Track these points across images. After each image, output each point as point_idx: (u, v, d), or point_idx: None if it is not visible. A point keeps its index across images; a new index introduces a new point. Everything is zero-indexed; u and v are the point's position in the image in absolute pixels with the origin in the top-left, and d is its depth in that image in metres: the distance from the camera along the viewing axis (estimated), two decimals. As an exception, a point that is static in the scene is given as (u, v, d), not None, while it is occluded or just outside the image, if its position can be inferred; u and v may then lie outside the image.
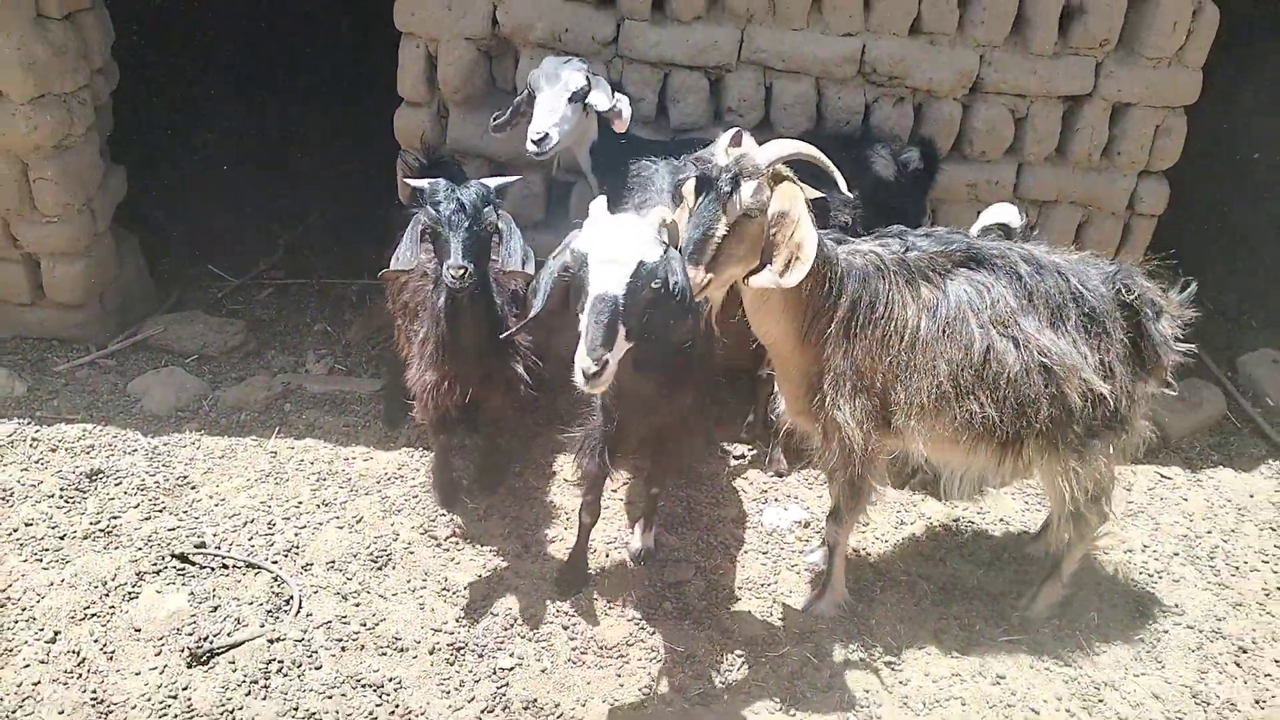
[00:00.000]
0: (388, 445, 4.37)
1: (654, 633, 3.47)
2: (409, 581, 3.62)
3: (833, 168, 2.94)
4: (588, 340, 2.58)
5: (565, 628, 3.48)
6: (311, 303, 5.69)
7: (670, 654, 3.39)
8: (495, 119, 4.13)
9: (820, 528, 3.98)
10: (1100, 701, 3.39)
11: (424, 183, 3.27)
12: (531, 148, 3.90)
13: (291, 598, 3.49)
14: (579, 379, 2.60)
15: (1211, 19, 4.40)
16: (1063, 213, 4.79)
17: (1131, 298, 3.24)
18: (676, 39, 4.37)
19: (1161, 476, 4.68)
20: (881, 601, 3.71)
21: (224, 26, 7.62)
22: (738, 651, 3.43)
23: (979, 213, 4.18)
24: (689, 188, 2.84)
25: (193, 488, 4.01)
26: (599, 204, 2.94)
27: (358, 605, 3.50)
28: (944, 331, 3.08)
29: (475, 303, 3.31)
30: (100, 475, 4.00)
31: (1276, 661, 3.67)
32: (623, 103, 3.92)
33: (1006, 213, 3.96)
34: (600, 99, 3.91)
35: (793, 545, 3.96)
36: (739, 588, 3.72)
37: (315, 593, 3.53)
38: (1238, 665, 3.64)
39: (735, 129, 2.98)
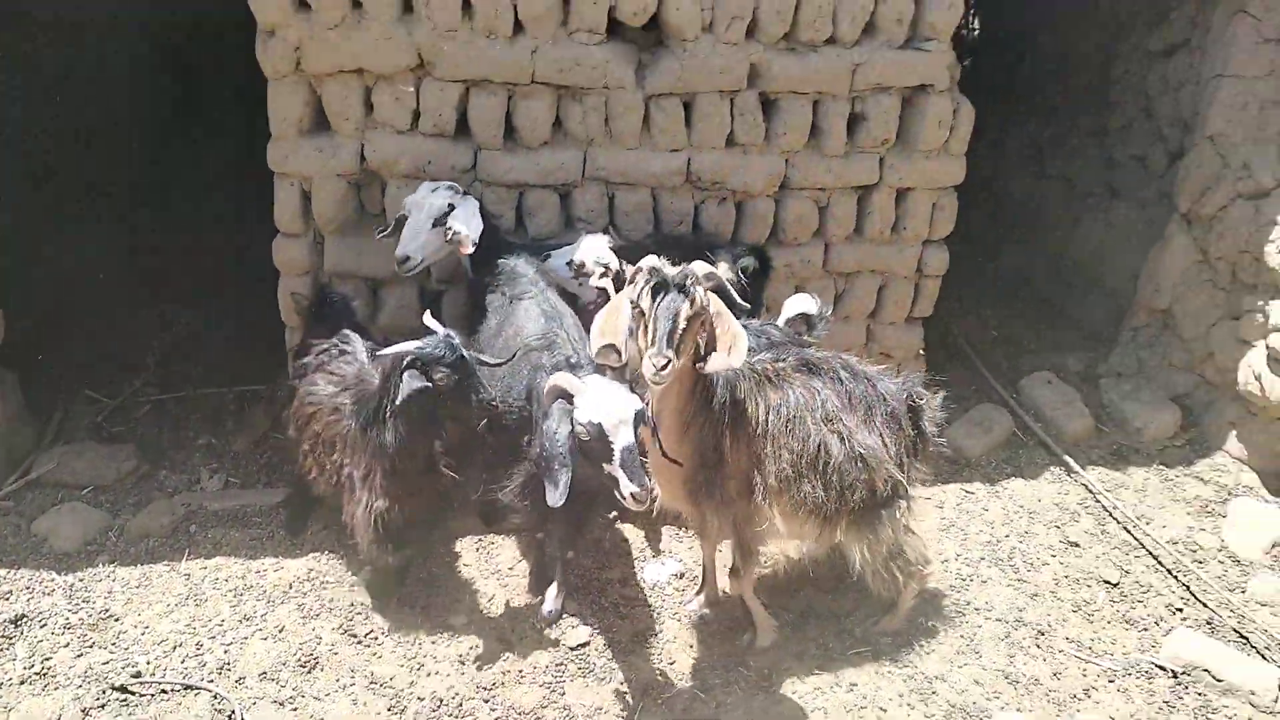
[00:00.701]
0: (294, 553, 4.72)
1: (564, 694, 4.00)
2: (338, 680, 4.02)
3: (730, 288, 3.59)
4: (635, 478, 3.29)
5: (485, 700, 3.95)
6: (192, 415, 5.91)
7: (580, 710, 3.93)
8: (379, 231, 4.61)
9: (694, 577, 4.63)
10: (933, 693, 4.13)
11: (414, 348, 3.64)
12: (398, 267, 4.43)
13: (233, 712, 3.83)
14: (634, 505, 3.32)
15: (968, 114, 5.35)
16: (864, 281, 5.64)
17: (920, 402, 4.07)
18: (528, 164, 4.97)
19: (966, 492, 5.54)
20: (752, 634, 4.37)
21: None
22: (637, 699, 4.01)
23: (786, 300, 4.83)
24: (639, 292, 3.34)
25: (116, 619, 4.26)
26: (566, 378, 3.53)
27: (295, 710, 3.87)
28: (787, 427, 3.78)
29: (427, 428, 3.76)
30: (24, 619, 4.19)
31: (1068, 639, 4.52)
32: (465, 230, 4.38)
33: (806, 303, 4.67)
34: (457, 225, 4.40)
35: (673, 596, 4.57)
36: (631, 641, 4.30)
37: (254, 704, 3.88)
38: (1038, 646, 4.45)
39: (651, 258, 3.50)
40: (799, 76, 5.01)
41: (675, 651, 4.26)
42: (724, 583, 4.41)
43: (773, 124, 5.15)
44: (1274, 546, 5.12)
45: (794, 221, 5.36)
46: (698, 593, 4.50)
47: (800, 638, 4.37)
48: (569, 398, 3.49)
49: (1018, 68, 8.78)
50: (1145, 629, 4.59)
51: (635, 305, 3.38)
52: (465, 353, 3.69)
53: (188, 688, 3.93)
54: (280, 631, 4.25)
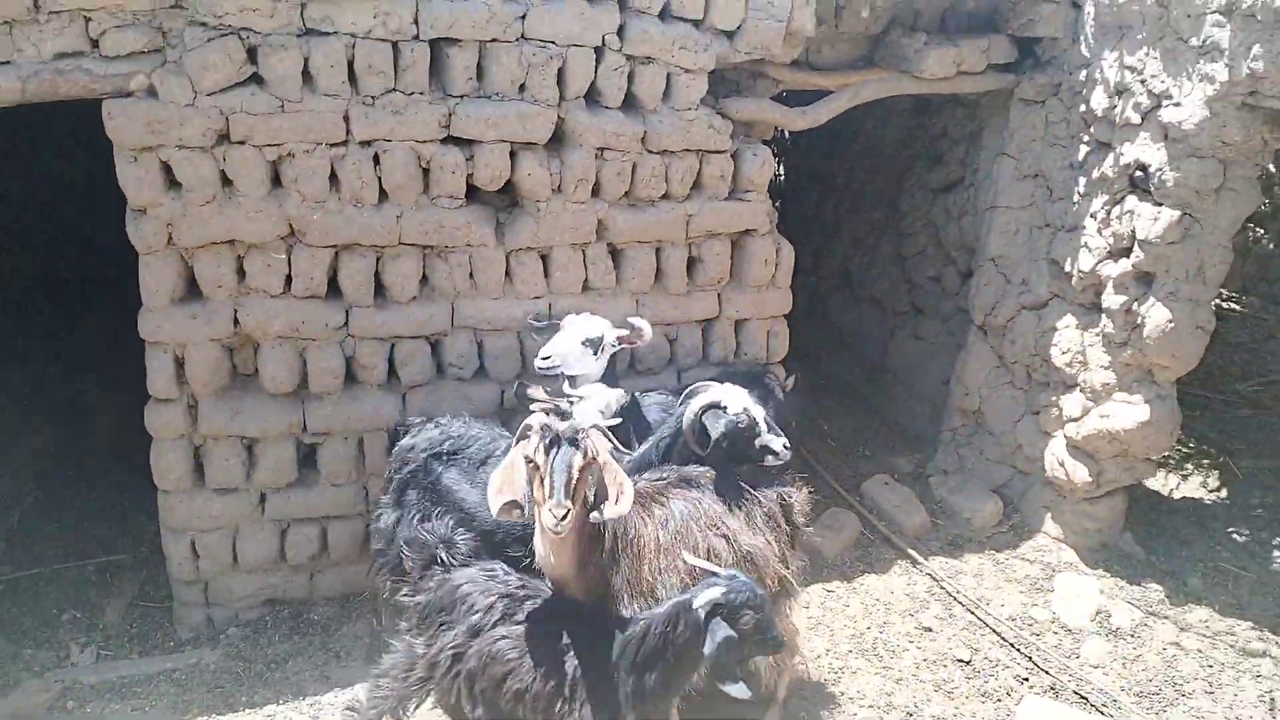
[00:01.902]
0: (179, 720, 4.65)
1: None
2: (241, 843, 3.98)
3: (610, 436, 3.92)
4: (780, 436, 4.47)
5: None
6: (51, 591, 5.74)
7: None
8: (535, 319, 5.23)
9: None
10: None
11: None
12: (539, 363, 4.88)
13: None
14: (783, 453, 4.49)
15: (789, 252, 6.07)
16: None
17: (791, 499, 4.56)
18: (399, 318, 5.30)
19: (828, 590, 5.99)
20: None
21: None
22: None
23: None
24: (535, 448, 3.62)
25: (-7, 810, 4.08)
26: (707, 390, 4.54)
27: None
28: (676, 538, 4.14)
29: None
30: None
31: (933, 717, 4.96)
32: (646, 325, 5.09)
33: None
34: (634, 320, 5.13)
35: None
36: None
37: None
38: (907, 727, 4.89)
39: (540, 414, 3.82)
40: (640, 227, 5.61)
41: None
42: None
43: (622, 269, 5.70)
44: (1098, 614, 5.78)
45: (649, 353, 5.86)
46: None
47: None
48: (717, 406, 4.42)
49: (822, 204, 9.85)
50: (999, 699, 5.08)
51: (530, 460, 3.67)
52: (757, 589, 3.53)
53: None
54: (173, 803, 4.16)
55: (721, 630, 3.32)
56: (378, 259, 5.22)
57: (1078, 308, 6.40)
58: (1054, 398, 6.53)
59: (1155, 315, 5.78)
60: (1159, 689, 5.18)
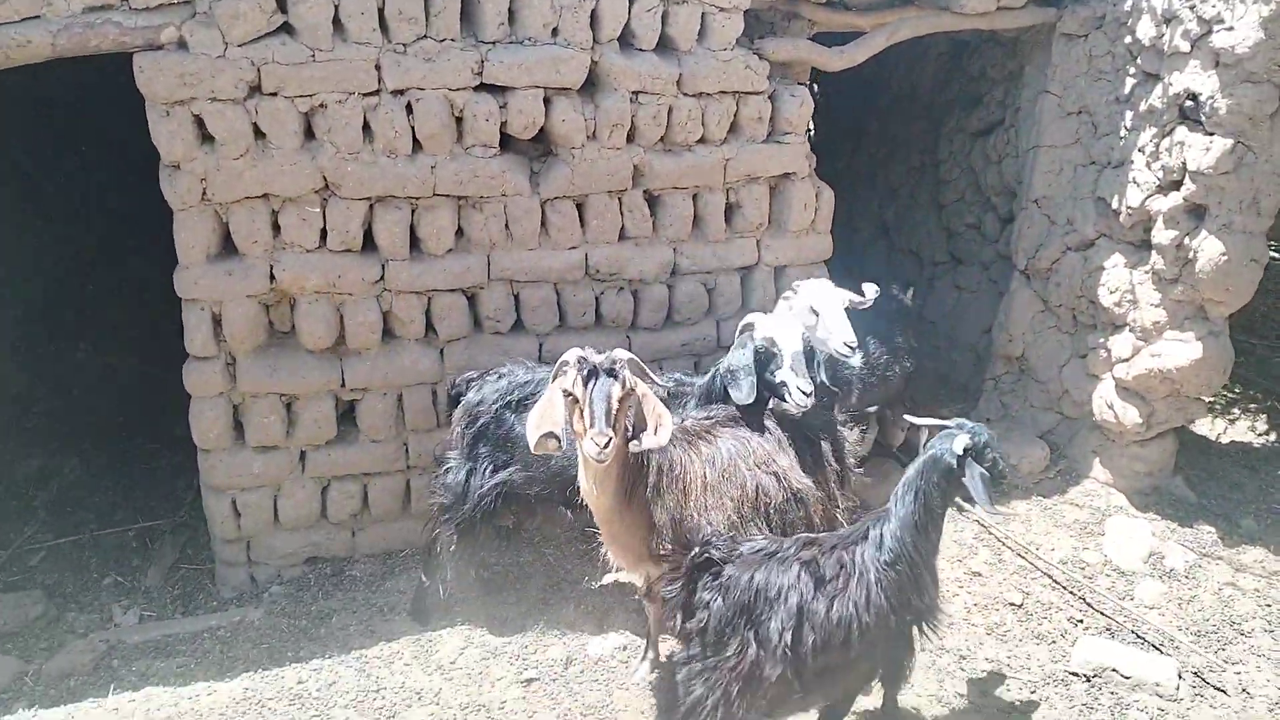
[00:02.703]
0: (225, 675, 4.64)
1: (527, 772, 4.07)
2: (299, 793, 3.97)
3: (648, 369, 3.85)
4: (803, 379, 4.19)
5: (453, 791, 3.98)
6: (93, 557, 5.77)
7: (546, 786, 4.00)
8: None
9: (637, 647, 4.78)
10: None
11: None
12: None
13: (193, 838, 3.73)
14: (799, 399, 4.18)
15: (828, 196, 5.95)
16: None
17: (842, 440, 4.45)
18: (434, 271, 5.22)
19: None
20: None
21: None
22: (599, 769, 4.10)
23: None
24: (572, 381, 3.58)
25: (47, 764, 4.10)
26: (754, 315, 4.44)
27: (257, 827, 3.81)
28: (723, 476, 4.07)
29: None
30: (-53, 777, 3.99)
31: (987, 659, 4.86)
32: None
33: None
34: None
35: (617, 669, 4.70)
36: (583, 715, 4.40)
37: (213, 828, 3.79)
38: (961, 669, 4.78)
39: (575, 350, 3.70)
40: (677, 172, 5.50)
41: None
42: (670, 647, 4.58)
43: (659, 217, 5.59)
44: (1150, 556, 5.66)
45: (687, 303, 5.76)
46: (642, 659, 4.65)
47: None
48: (750, 328, 4.29)
49: (855, 156, 9.67)
50: (1053, 641, 4.99)
51: (569, 394, 3.62)
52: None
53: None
54: (226, 755, 4.16)
55: (976, 470, 3.77)
56: (412, 211, 5.14)
57: (1126, 246, 6.23)
58: (1102, 339, 6.37)
59: (1208, 249, 5.61)
60: (1216, 628, 5.06)
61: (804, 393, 4.19)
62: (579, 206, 5.43)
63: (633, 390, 3.65)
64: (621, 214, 5.49)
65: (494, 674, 4.63)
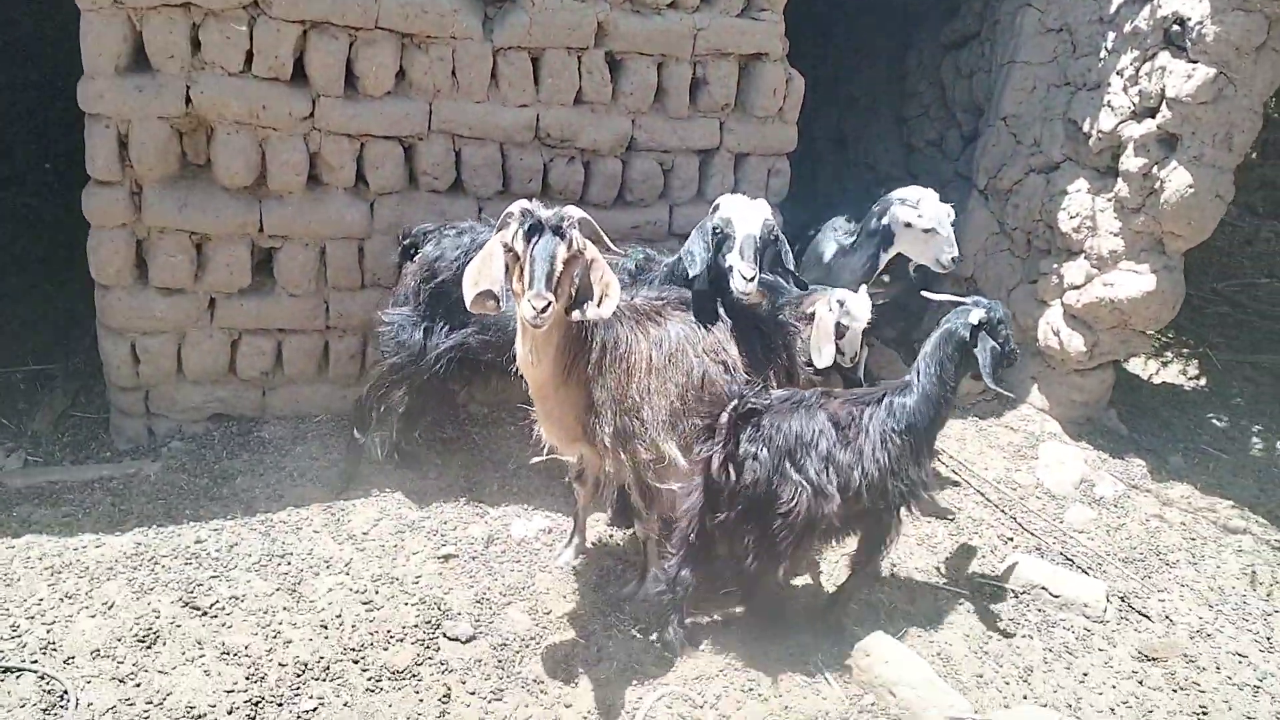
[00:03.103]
0: (116, 529, 4.27)
1: (438, 649, 3.82)
2: (184, 653, 3.64)
3: (603, 234, 3.53)
4: (749, 263, 3.93)
5: (355, 661, 3.71)
6: (-26, 398, 5.29)
7: (457, 664, 3.76)
8: None
9: (562, 530, 4.55)
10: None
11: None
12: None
13: (65, 693, 3.39)
14: (743, 285, 3.90)
15: (799, 84, 5.61)
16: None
17: (791, 335, 4.24)
18: (370, 113, 4.76)
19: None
20: (625, 580, 4.33)
21: None
22: (514, 648, 3.87)
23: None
24: (513, 235, 3.24)
25: (-93, 608, 3.70)
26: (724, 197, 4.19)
27: (138, 685, 3.47)
28: (669, 360, 3.80)
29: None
30: None
31: (917, 569, 4.78)
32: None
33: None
34: None
35: (541, 551, 4.47)
36: (503, 595, 4.16)
37: (88, 683, 3.45)
38: (893, 576, 4.69)
39: (522, 201, 3.39)
40: (644, 36, 5.09)
41: (550, 602, 4.15)
42: (596, 534, 4.36)
43: (619, 83, 5.19)
44: (1081, 483, 5.63)
45: (640, 182, 5.41)
46: (567, 544, 4.43)
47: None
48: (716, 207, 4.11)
49: (820, 64, 9.30)
50: (983, 557, 4.91)
51: (509, 248, 3.28)
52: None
53: (7, 670, 3.45)
54: (110, 608, 3.81)
55: (987, 343, 3.92)
56: (350, 43, 4.65)
57: (1091, 171, 6.07)
58: (1055, 265, 6.25)
59: (1176, 180, 5.47)
60: (1143, 557, 5.06)
61: (745, 278, 3.94)
62: (534, 61, 5.00)
63: (580, 253, 3.33)
64: (580, 75, 5.08)
65: (409, 548, 4.35)
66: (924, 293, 4.48)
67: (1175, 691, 4.13)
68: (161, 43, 4.38)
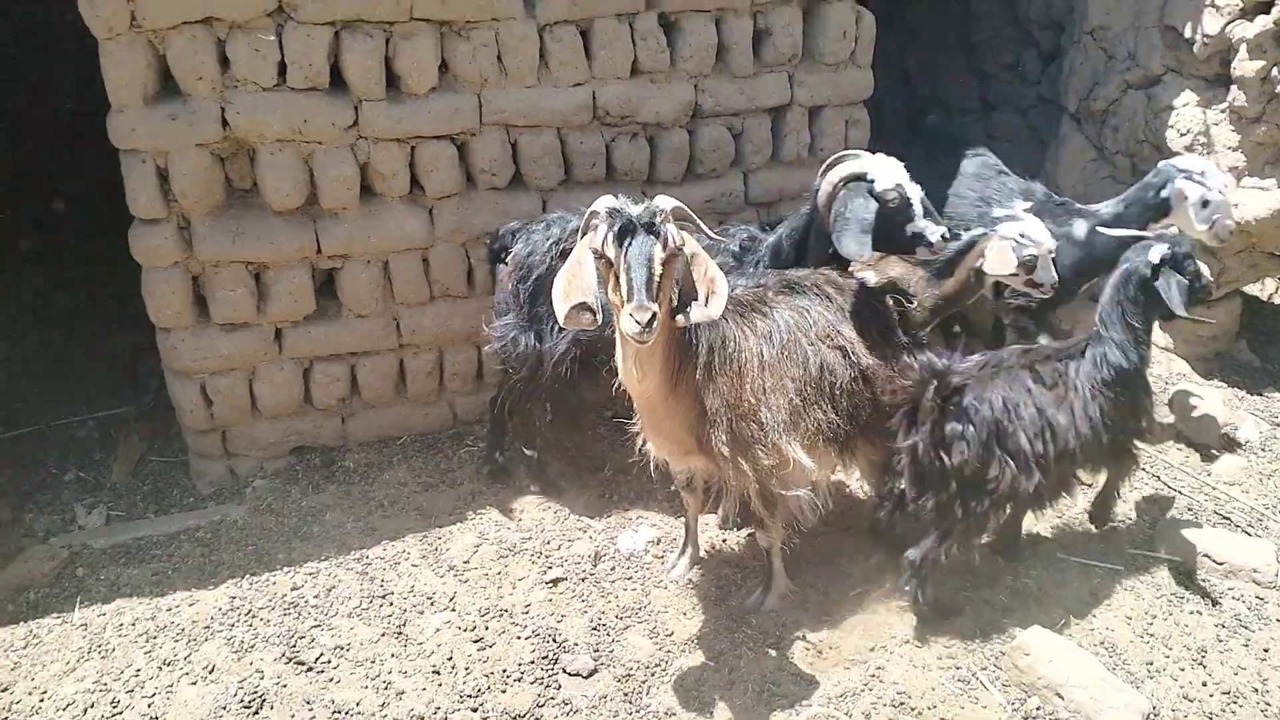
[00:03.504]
0: (208, 584, 4.07)
1: (559, 688, 3.54)
2: (294, 716, 3.44)
3: (699, 221, 3.19)
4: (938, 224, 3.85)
5: (474, 710, 3.45)
6: (50, 451, 5.12)
7: (581, 702, 3.49)
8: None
9: (672, 540, 4.25)
10: (946, 619, 3.89)
11: None
12: None
13: (177, 773, 3.21)
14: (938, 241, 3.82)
15: (869, 23, 5.16)
16: (788, 207, 5.34)
17: (908, 306, 3.85)
18: (417, 113, 4.43)
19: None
20: (748, 588, 3.99)
21: None
22: (639, 679, 3.59)
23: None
24: (603, 240, 2.90)
25: (4, 689, 3.53)
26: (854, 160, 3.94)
27: (250, 758, 3.29)
28: (783, 354, 3.45)
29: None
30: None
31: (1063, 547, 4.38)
32: None
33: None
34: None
35: (652, 565, 4.17)
36: (619, 618, 3.88)
37: (199, 760, 3.27)
38: (1035, 557, 4.29)
39: (608, 198, 3.05)
40: (698, -9, 4.67)
41: (670, 622, 3.85)
42: (708, 540, 4.06)
43: (677, 47, 4.79)
44: (1224, 426, 5.13)
45: (710, 151, 5.01)
46: (680, 555, 4.12)
47: (799, 586, 4.03)
48: (861, 178, 3.81)
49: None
50: (1131, 524, 4.48)
51: (600, 254, 2.93)
52: None
53: (113, 758, 3.27)
54: (211, 672, 3.61)
55: (1173, 277, 3.81)
56: (387, 40, 4.31)
57: (1199, 81, 5.51)
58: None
59: (1305, 79, 4.91)
60: (1305, 505, 4.60)
61: (944, 238, 3.83)
62: (583, 35, 4.61)
63: (679, 250, 2.97)
64: (634, 43, 4.68)
65: (514, 574, 4.08)
66: (1101, 229, 4.44)
67: (1370, 660, 3.70)
68: (188, 64, 4.08)
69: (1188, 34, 5.46)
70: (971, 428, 3.59)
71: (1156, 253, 3.82)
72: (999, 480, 3.61)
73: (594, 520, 4.44)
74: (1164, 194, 4.64)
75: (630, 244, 2.89)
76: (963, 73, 7.69)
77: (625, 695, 3.51)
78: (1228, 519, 4.48)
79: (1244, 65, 5.17)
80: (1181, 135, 5.55)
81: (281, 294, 4.49)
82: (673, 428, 3.38)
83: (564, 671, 3.58)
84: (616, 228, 2.90)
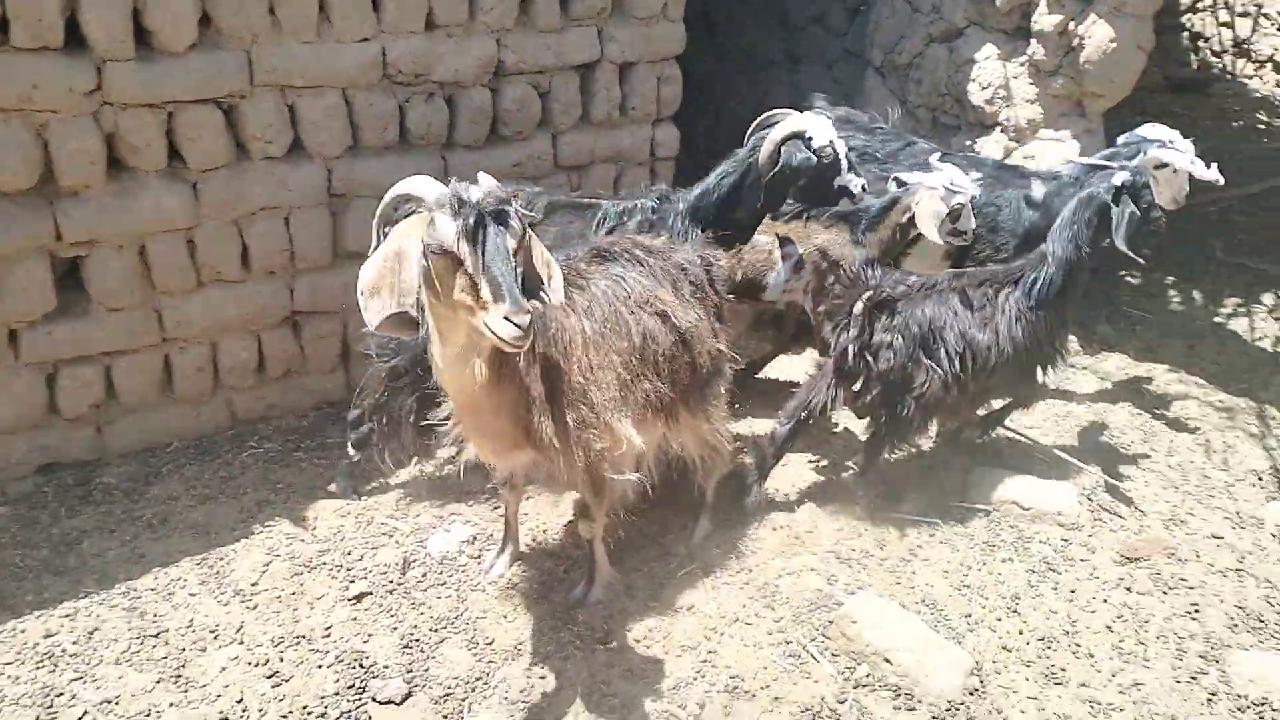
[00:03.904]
0: (-54, 631, 3.47)
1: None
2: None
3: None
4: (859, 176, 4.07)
5: (272, 752, 3.08)
6: None
7: (395, 728, 3.18)
8: None
9: (489, 537, 3.96)
10: (777, 591, 3.76)
11: None
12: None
13: None
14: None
15: (683, -24, 4.92)
16: (599, 170, 5.11)
17: (716, 265, 3.68)
18: (174, 74, 3.87)
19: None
20: (571, 581, 3.80)
21: None
22: (459, 697, 3.30)
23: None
24: (455, 236, 2.50)
25: None
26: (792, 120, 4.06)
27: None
28: (606, 327, 3.19)
29: None
30: None
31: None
32: None
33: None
34: None
35: (468, 567, 3.86)
36: (433, 630, 3.57)
37: None
38: (856, 519, 4.28)
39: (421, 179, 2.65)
40: (495, -65, 4.29)
41: (490, 629, 3.57)
42: (529, 532, 3.80)
43: (476, -1, 4.40)
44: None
45: (515, 112, 4.67)
46: (499, 553, 3.84)
47: (625, 571, 3.83)
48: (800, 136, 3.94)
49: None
50: (945, 474, 4.55)
51: (443, 251, 2.52)
52: None
53: None
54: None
55: (1128, 207, 3.96)
56: (132, -12, 3.72)
57: (1000, 35, 5.60)
58: (968, 141, 5.82)
59: (1096, 34, 5.07)
60: (1099, 443, 4.82)
61: (864, 189, 4.10)
62: (368, -17, 4.16)
63: (528, 239, 2.65)
64: (428, -8, 4.27)
65: (311, 592, 3.67)
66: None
67: (1165, 594, 3.87)
68: (-127, 15, 3.37)
69: (990, -13, 5.52)
70: (900, 339, 3.90)
71: (1119, 178, 4.00)
72: (926, 388, 3.95)
73: (400, 522, 4.08)
74: (1134, 161, 4.61)
75: (484, 239, 2.49)
76: (769, 23, 7.60)
77: (444, 719, 3.22)
78: (1030, 462, 4.62)
79: (1043, 19, 5.28)
80: (983, 89, 5.64)
81: (14, 290, 3.84)
82: (498, 424, 3.06)
83: (374, 700, 3.23)
84: (470, 221, 2.50)
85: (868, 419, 4.17)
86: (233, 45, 3.98)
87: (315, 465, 4.38)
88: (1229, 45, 10.02)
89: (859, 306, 3.90)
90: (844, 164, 4.04)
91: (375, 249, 2.65)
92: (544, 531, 4.08)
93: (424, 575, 3.80)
